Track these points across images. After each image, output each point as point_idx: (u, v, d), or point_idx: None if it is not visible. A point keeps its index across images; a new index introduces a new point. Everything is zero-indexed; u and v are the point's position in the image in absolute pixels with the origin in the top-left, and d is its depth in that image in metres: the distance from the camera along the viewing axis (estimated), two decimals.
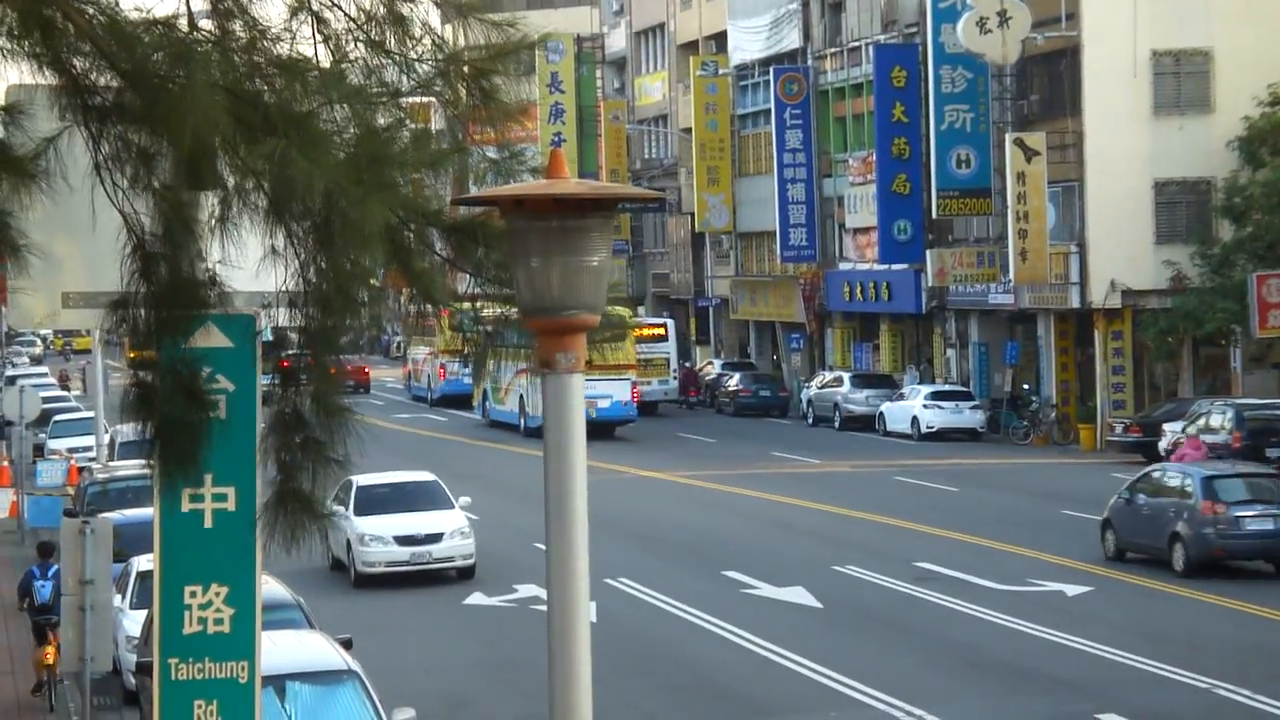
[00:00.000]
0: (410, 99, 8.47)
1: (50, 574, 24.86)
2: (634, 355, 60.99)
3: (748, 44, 76.94)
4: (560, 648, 7.41)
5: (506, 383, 60.49)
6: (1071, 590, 31.33)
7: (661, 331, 71.40)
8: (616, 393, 59.20)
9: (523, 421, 60.63)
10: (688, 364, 79.71)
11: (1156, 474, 35.57)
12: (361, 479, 33.47)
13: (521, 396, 60.44)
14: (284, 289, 8.12)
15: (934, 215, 61.33)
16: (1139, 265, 55.59)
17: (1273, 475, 35.18)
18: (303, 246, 8.00)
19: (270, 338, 9.81)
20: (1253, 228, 53.22)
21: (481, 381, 61.52)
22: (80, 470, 39.91)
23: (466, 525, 33.76)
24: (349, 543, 33.32)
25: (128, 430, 38.82)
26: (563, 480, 7.42)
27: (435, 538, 33.44)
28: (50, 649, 23.27)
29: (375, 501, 33.84)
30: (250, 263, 8.20)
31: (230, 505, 10.81)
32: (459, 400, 70.82)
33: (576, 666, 7.41)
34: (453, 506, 34.40)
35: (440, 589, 32.65)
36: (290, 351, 8.43)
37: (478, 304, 8.68)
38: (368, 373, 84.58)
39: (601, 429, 57.57)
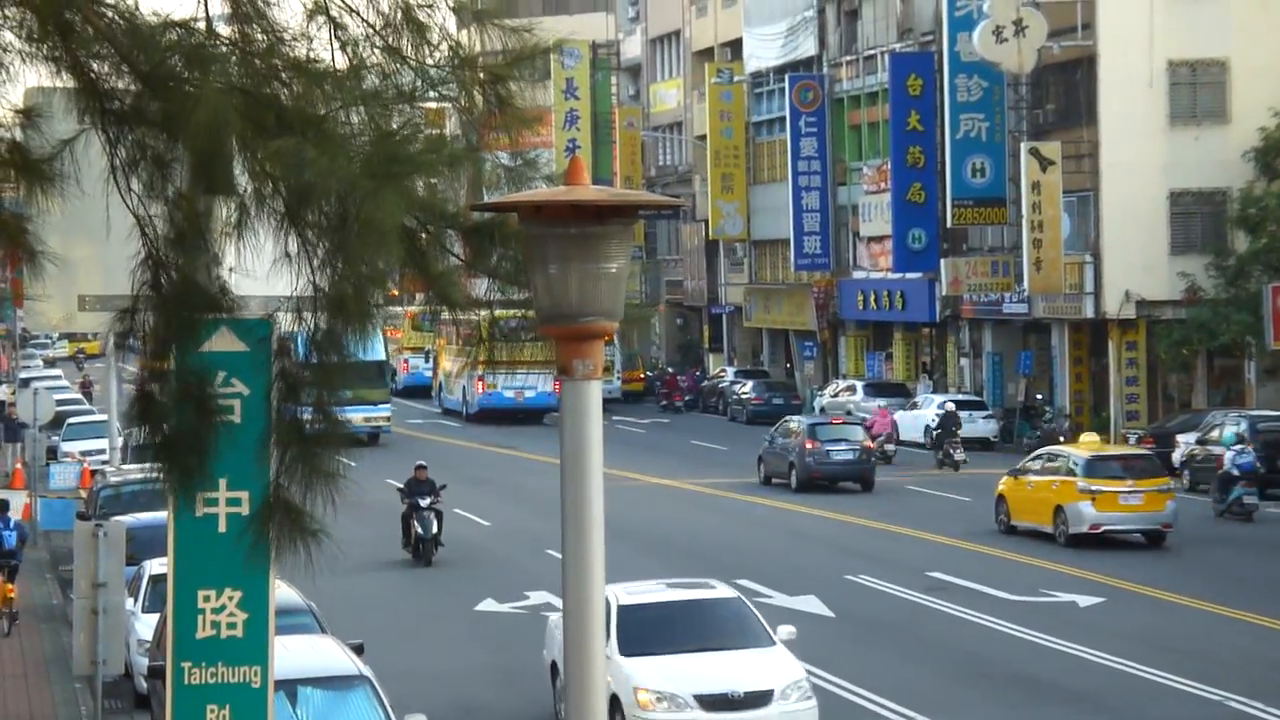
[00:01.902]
0: (426, 104, 8.46)
1: (12, 525, 30.77)
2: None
3: (763, 51, 76.91)
4: (575, 654, 7.39)
5: (455, 376, 71.07)
6: (1084, 601, 31.27)
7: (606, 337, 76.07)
8: (541, 384, 65.04)
9: (464, 409, 71.78)
10: (670, 370, 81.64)
11: (786, 423, 51.45)
12: (623, 591, 22.76)
13: (464, 387, 70.74)
14: (298, 293, 8.09)
15: (948, 224, 61.27)
16: (1154, 276, 55.51)
17: (857, 423, 51.87)
18: (319, 248, 7.97)
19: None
20: (1268, 239, 53.11)
21: (457, 377, 71.13)
22: (93, 473, 39.94)
23: (803, 675, 21.68)
24: (615, 699, 20.77)
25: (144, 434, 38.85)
26: (580, 486, 7.40)
27: (761, 698, 21.12)
28: (12, 586, 28.36)
29: (650, 631, 22.09)
30: (264, 267, 8.18)
31: (244, 509, 10.80)
32: (419, 391, 79.77)
33: (591, 673, 7.39)
34: (772, 641, 22.32)
35: (451, 595, 32.62)
36: (295, 359, 8.39)
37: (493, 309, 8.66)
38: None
39: (531, 415, 69.51)
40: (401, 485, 36.67)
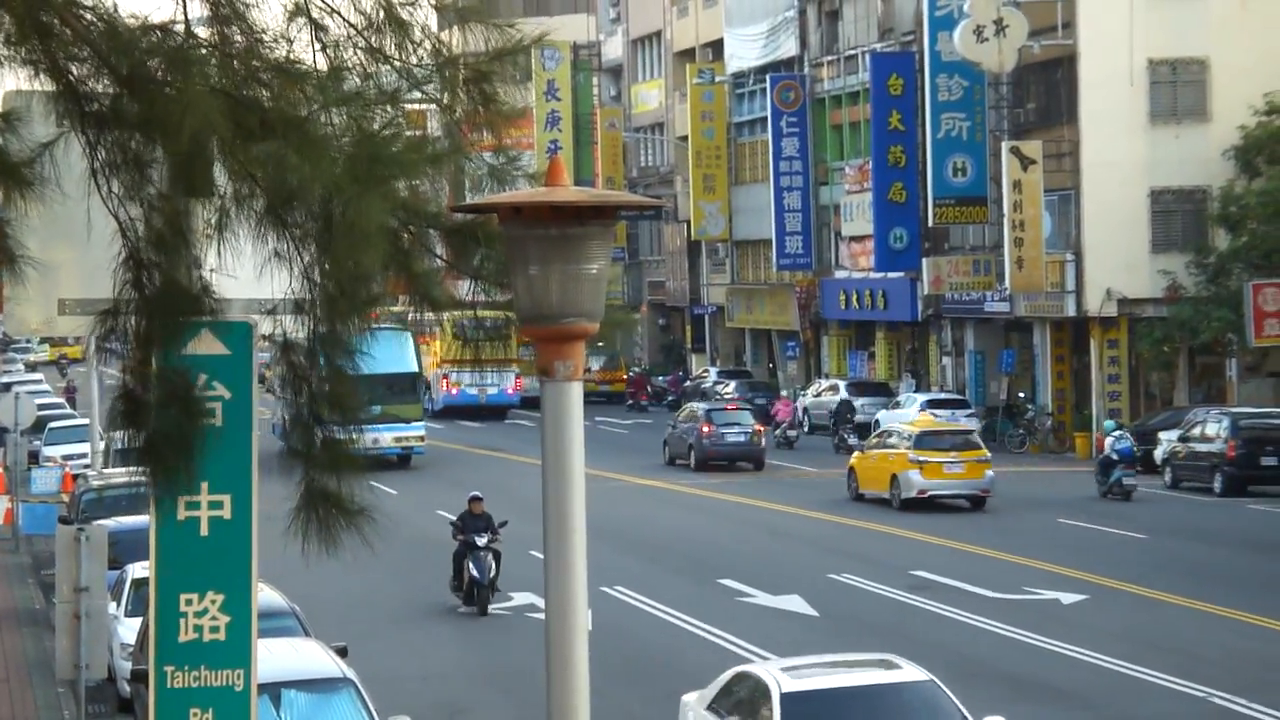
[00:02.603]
0: (408, 105, 8.45)
1: None
2: (516, 352, 69.03)
3: (744, 52, 76.96)
4: (558, 655, 7.38)
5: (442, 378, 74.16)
6: (1067, 598, 31.33)
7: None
8: (502, 382, 71.44)
9: (431, 405, 72.08)
10: (637, 371, 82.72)
11: (687, 409, 57.58)
12: (784, 674, 18.32)
13: (431, 385, 72.09)
14: (287, 294, 8.09)
15: (930, 223, 61.35)
16: (1135, 274, 55.62)
17: (749, 409, 57.12)
18: (303, 250, 7.97)
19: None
20: (1249, 237, 53.25)
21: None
22: (75, 477, 39.87)
23: None
24: None
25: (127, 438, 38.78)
26: (561, 487, 7.40)
27: None
28: None
29: None
30: (247, 269, 8.17)
31: (226, 513, 10.77)
32: (461, 412, 74.53)
33: (574, 674, 7.39)
34: None
35: (435, 597, 32.61)
36: (297, 358, 8.39)
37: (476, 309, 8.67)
38: None
39: (494, 411, 73.55)
40: (454, 519, 31.59)
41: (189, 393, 8.30)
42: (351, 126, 8.07)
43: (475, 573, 30.57)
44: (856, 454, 47.16)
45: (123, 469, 36.80)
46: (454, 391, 72.50)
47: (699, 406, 57.45)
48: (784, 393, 68.00)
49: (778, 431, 60.23)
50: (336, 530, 8.35)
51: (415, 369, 54.63)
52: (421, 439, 54.98)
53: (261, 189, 7.80)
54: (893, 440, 45.24)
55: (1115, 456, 45.82)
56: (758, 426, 55.00)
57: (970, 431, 47.50)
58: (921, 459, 43.55)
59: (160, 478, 8.30)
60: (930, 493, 43.49)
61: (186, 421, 8.24)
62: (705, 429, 53.93)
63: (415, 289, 8.36)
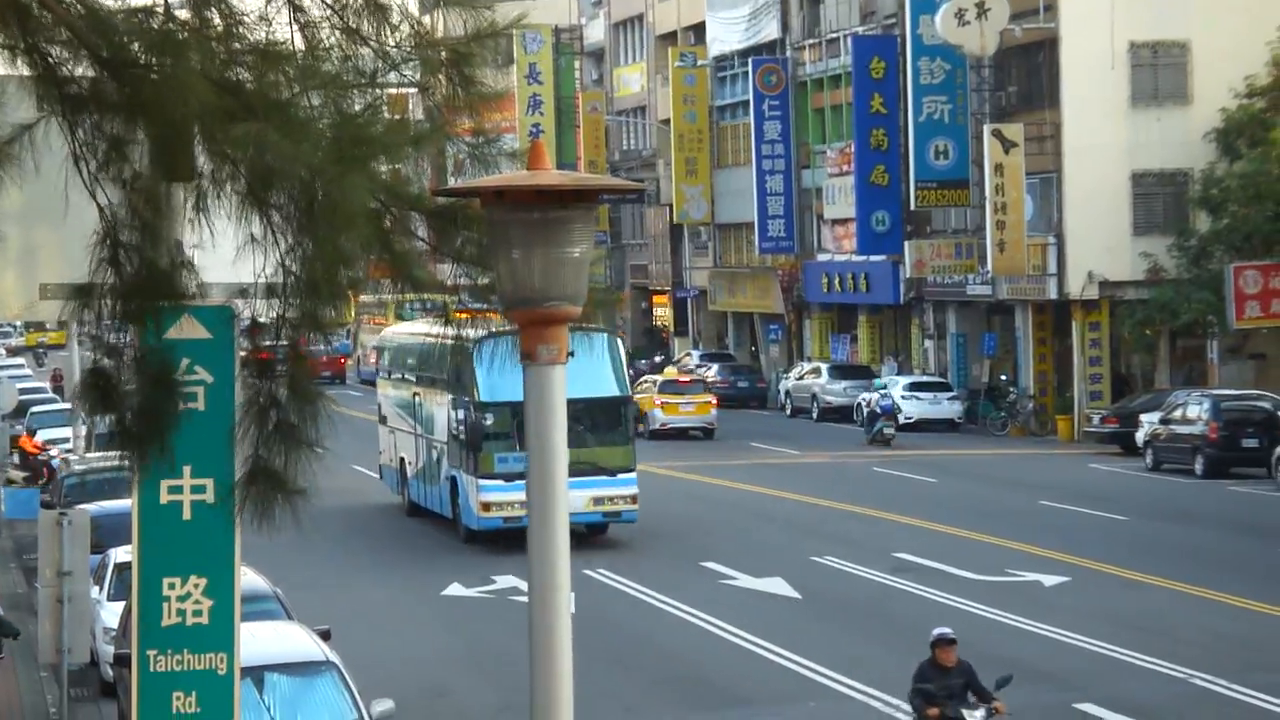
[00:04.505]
0: (389, 88, 8.44)
1: None
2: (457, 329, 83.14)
3: (726, 35, 76.90)
4: (540, 638, 7.39)
5: (370, 351, 76.32)
6: (1049, 580, 31.40)
7: (493, 316, 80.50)
8: None
9: (378, 376, 78.35)
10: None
11: (643, 383, 60.27)
12: None
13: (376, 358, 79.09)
14: (263, 277, 8.07)
15: (912, 206, 61.39)
16: (1116, 257, 55.70)
17: (701, 385, 62.24)
18: (284, 233, 7.96)
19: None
20: (1229, 219, 53.34)
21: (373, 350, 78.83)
22: (42, 450, 39.85)
23: None
24: None
25: (106, 422, 38.66)
26: (544, 470, 7.41)
27: None
28: None
29: None
30: (227, 253, 8.16)
31: (209, 497, 10.77)
32: None
33: (557, 657, 7.39)
34: None
35: (418, 580, 32.63)
36: (269, 342, 8.39)
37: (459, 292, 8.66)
38: (344, 363, 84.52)
39: None
40: (918, 682, 18.87)
41: (168, 375, 8.28)
42: (332, 109, 8.05)
43: None
44: (643, 398, 56.39)
45: (105, 453, 36.81)
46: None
47: (653, 380, 62.11)
48: (724, 375, 71.01)
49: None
50: (274, 508, 8.31)
51: (622, 390, 36.01)
52: (633, 500, 35.57)
53: (242, 171, 7.79)
54: (644, 387, 59.15)
55: (879, 410, 55.71)
56: (710, 400, 60.42)
57: (699, 380, 62.97)
58: (663, 400, 59.09)
59: (137, 460, 8.28)
60: (669, 426, 58.62)
61: (165, 403, 8.22)
62: (657, 400, 59.75)
63: (398, 271, 8.35)
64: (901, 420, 59.90)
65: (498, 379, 32.93)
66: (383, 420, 43.45)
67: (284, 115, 7.70)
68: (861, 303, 69.04)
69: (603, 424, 35.53)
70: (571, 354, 7.58)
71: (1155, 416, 49.59)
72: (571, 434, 39.45)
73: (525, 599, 7.54)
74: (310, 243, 7.87)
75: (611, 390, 35.37)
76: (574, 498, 32.81)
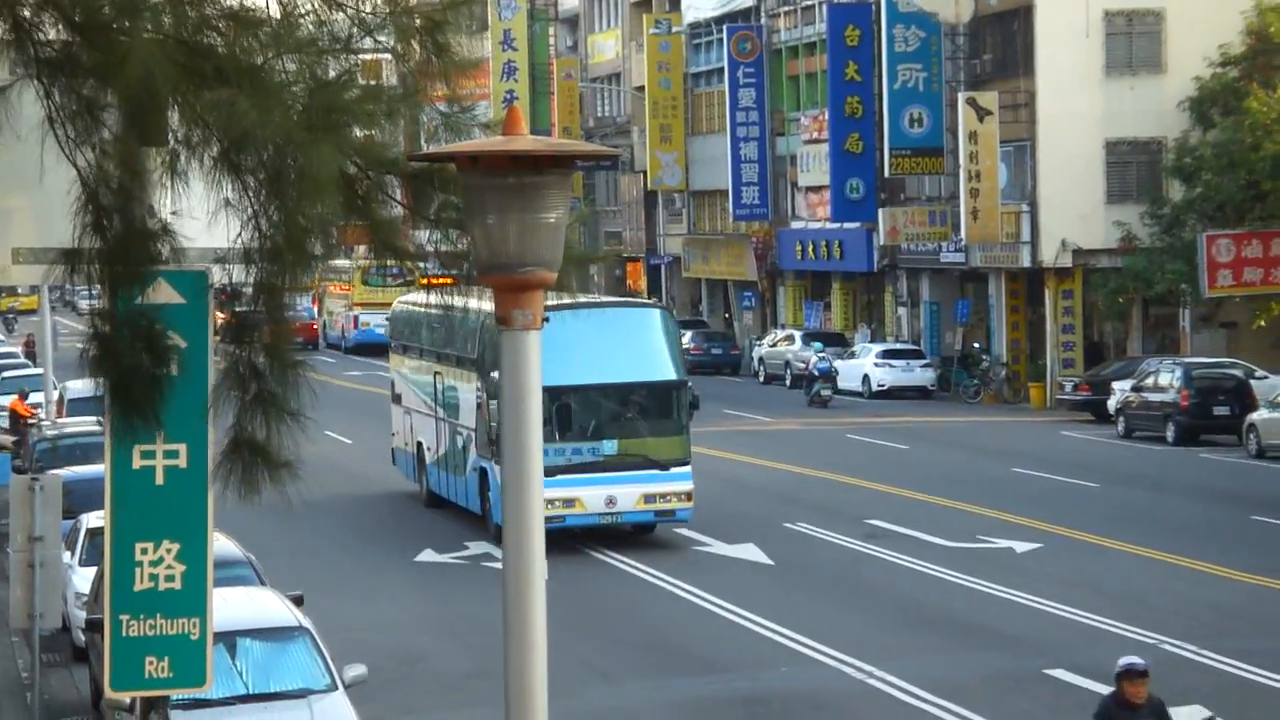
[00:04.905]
0: (363, 54, 8.42)
1: None
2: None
3: (701, 2, 76.76)
4: (515, 604, 7.40)
5: (338, 318, 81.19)
6: (1021, 547, 31.51)
7: (450, 281, 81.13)
8: None
9: (343, 343, 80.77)
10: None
11: None
12: None
13: (343, 324, 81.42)
14: (237, 243, 8.06)
15: (886, 174, 61.41)
16: (1090, 225, 55.79)
17: None
18: (256, 198, 7.95)
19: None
20: (1203, 188, 53.45)
21: (338, 316, 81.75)
22: (33, 414, 39.73)
23: None
24: None
25: (78, 386, 38.55)
26: (519, 436, 7.42)
27: None
28: None
29: None
30: (202, 218, 8.15)
31: (182, 462, 10.76)
32: (370, 349, 77.57)
33: (531, 623, 7.41)
34: None
35: (391, 546, 32.64)
36: (242, 307, 8.38)
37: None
38: (316, 329, 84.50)
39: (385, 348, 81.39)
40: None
41: (155, 336, 8.28)
42: (305, 74, 8.03)
43: None
44: None
45: (78, 418, 36.70)
46: (361, 329, 79.73)
47: None
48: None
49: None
50: (259, 481, 8.34)
51: (677, 374, 32.08)
52: (688, 497, 31.68)
53: (215, 135, 7.77)
54: None
55: (816, 373, 58.17)
56: None
57: None
58: None
59: (128, 421, 8.28)
60: None
61: (154, 363, 8.22)
62: None
63: (375, 237, 8.34)
64: (875, 387, 60.09)
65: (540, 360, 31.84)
66: (396, 399, 39.44)
67: (257, 80, 7.68)
68: (835, 270, 69.09)
69: (654, 411, 31.96)
70: (546, 320, 7.58)
71: (1127, 384, 49.77)
72: (620, 423, 31.73)
73: (499, 565, 7.56)
74: (281, 209, 7.86)
75: (665, 374, 31.75)
76: (623, 495, 30.96)
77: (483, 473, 32.59)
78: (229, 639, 16.86)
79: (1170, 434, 46.75)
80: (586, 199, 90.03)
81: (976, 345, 61.18)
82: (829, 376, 58.09)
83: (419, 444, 37.09)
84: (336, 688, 17.38)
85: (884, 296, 67.69)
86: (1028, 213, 56.45)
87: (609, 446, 31.43)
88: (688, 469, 31.60)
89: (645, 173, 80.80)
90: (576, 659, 23.27)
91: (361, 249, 8.90)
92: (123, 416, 8.22)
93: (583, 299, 34.80)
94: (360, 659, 18.85)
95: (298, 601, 19.58)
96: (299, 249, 7.97)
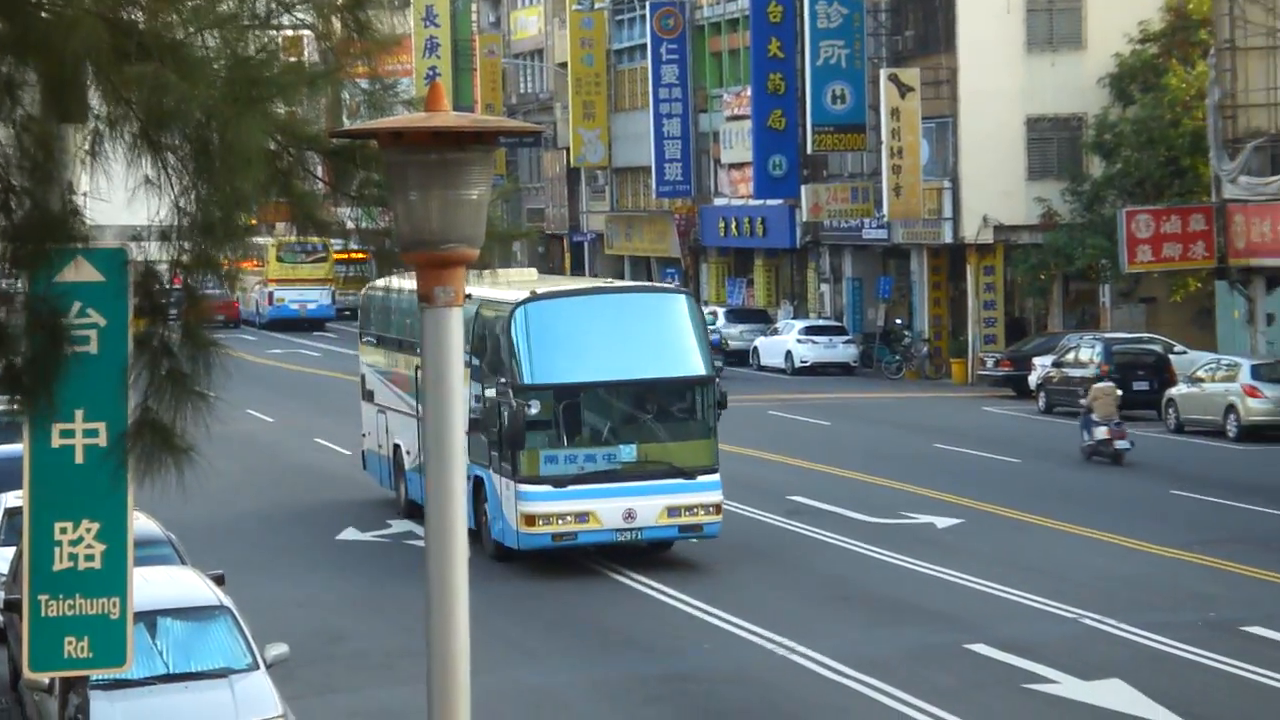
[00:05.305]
0: (284, 30, 8.36)
1: None
2: (332, 271, 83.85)
3: None
4: (437, 582, 7.39)
5: (249, 292, 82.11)
6: (942, 522, 31.68)
7: (363, 256, 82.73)
8: (320, 297, 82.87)
9: (258, 319, 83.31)
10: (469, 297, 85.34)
11: None
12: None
13: (257, 301, 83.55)
14: (157, 220, 8.00)
15: (809, 151, 61.53)
16: (1011, 201, 56.10)
17: None
18: (179, 175, 7.89)
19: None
20: (1122, 164, 53.84)
21: (250, 292, 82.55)
22: None
23: None
24: None
25: None
26: (441, 412, 7.39)
27: None
28: None
29: None
30: (121, 195, 8.08)
31: (101, 441, 10.68)
32: (284, 325, 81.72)
33: (454, 601, 7.40)
34: None
35: (313, 524, 32.52)
36: (160, 285, 8.32)
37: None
38: (237, 306, 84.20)
39: (314, 323, 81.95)
40: None
41: (55, 320, 8.20)
42: (226, 50, 7.98)
43: None
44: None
45: None
46: (275, 305, 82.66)
47: None
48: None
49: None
50: (159, 465, 8.29)
51: (705, 369, 28.38)
52: (717, 510, 28.00)
53: (137, 112, 7.70)
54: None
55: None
56: None
57: None
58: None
59: (25, 404, 8.22)
60: None
61: (50, 349, 8.15)
62: None
63: (298, 212, 8.30)
64: (797, 364, 60.26)
65: (547, 355, 26.86)
66: (368, 396, 35.34)
67: (178, 56, 7.63)
68: (758, 247, 69.22)
69: (679, 412, 28.32)
70: (468, 296, 7.55)
71: (1048, 360, 50.10)
72: (639, 426, 27.69)
73: (421, 543, 7.54)
74: (205, 184, 7.81)
75: (692, 368, 28.02)
76: (644, 508, 26.96)
77: (477, 482, 28.33)
78: (149, 619, 16.77)
79: None
80: (509, 176, 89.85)
81: (899, 321, 61.44)
82: (718, 346, 57.96)
83: (396, 447, 32.98)
84: (258, 667, 17.30)
85: (806, 273, 67.86)
86: (949, 189, 56.69)
87: (626, 452, 27.50)
88: (716, 477, 27.88)
89: (568, 149, 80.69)
90: (500, 636, 23.27)
91: (280, 226, 8.85)
92: (21, 402, 8.16)
93: (597, 283, 32.82)
94: (282, 638, 18.77)
95: (219, 580, 19.49)
96: (227, 224, 7.93)
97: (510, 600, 25.74)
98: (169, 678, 17.04)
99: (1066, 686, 20.74)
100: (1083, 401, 40.81)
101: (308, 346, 74.06)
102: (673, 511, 27.42)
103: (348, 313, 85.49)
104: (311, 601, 26.12)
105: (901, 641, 23.29)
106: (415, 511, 30.62)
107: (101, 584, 10.85)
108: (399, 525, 31.61)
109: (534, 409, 26.90)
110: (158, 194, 7.92)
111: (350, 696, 21.07)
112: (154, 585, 17.27)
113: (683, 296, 29.47)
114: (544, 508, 26.95)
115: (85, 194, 8.05)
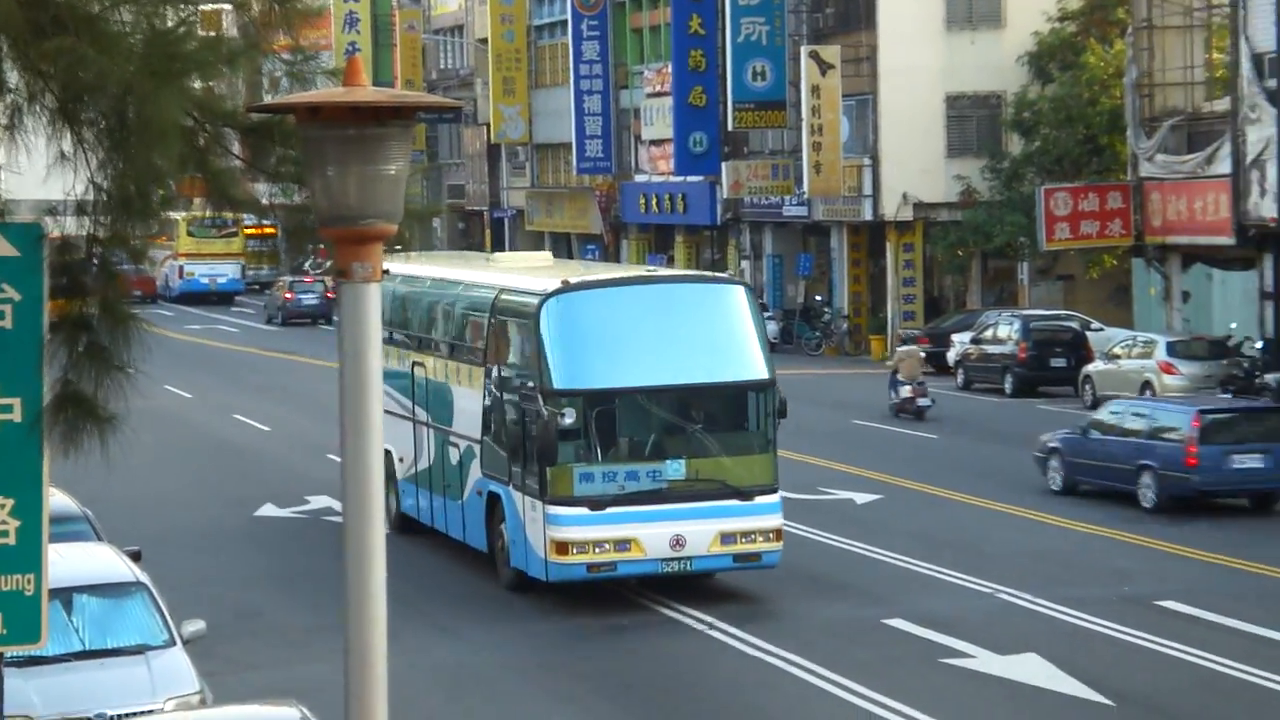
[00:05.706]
0: (201, 4, 8.32)
1: None
2: (244, 246, 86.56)
3: None
4: (355, 558, 7.39)
5: (160, 266, 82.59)
6: (861, 498, 31.84)
7: (272, 231, 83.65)
8: (230, 272, 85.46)
9: (168, 293, 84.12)
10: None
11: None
12: None
13: (167, 275, 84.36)
14: (72, 195, 7.96)
15: (730, 128, 61.59)
16: (931, 178, 56.34)
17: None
18: (95, 149, 7.85)
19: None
20: (1041, 142, 54.15)
21: (161, 266, 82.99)
22: None
23: None
24: None
25: None
26: (358, 390, 7.39)
27: None
28: None
29: None
30: (37, 169, 8.03)
31: (15, 416, 10.59)
32: (194, 298, 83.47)
33: (371, 577, 7.40)
34: None
35: (230, 501, 32.40)
36: (77, 258, 8.28)
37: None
38: (155, 282, 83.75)
39: (223, 297, 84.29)
40: None
41: None
42: (143, 24, 7.93)
43: None
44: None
45: None
46: (185, 279, 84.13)
47: None
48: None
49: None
50: (82, 436, 8.27)
51: (767, 371, 24.66)
52: (777, 535, 24.38)
53: (53, 86, 7.65)
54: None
55: None
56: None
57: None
58: None
59: None
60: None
61: None
62: (288, 296, 73.13)
63: (213, 188, 8.26)
64: None
65: (581, 355, 23.64)
66: None
67: (95, 30, 7.58)
68: (679, 223, 69.27)
69: (734, 422, 24.87)
70: (386, 272, 7.55)
71: (966, 337, 50.39)
72: (688, 439, 23.90)
73: (339, 519, 7.53)
74: (122, 159, 7.77)
75: (750, 371, 24.52)
76: (694, 533, 23.45)
77: (492, 499, 25.18)
78: (65, 595, 16.67)
79: (1008, 386, 47.46)
80: (429, 152, 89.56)
81: (818, 298, 61.65)
82: None
83: (385, 452, 29.43)
84: (175, 643, 17.24)
85: (727, 250, 67.97)
86: (869, 166, 56.90)
87: (674, 469, 23.78)
88: (777, 498, 24.37)
89: (488, 125, 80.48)
90: (417, 613, 23.26)
91: (197, 201, 8.81)
92: None
93: (639, 271, 29.05)
94: (199, 614, 18.71)
95: (135, 557, 19.40)
96: (143, 199, 7.89)
97: (423, 574, 25.67)
98: (85, 654, 16.95)
99: (982, 660, 20.91)
100: (889, 363, 42.93)
101: (225, 322, 73.76)
102: (726, 538, 23.74)
103: (256, 286, 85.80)
104: (229, 577, 26.03)
105: (820, 616, 23.40)
106: (408, 526, 28.50)
107: (16, 560, 10.78)
108: (317, 501, 31.51)
109: (568, 419, 23.33)
110: (73, 169, 7.88)
111: (267, 673, 21.02)
112: (70, 562, 17.15)
113: (739, 288, 26.29)
114: (579, 533, 23.23)
115: (1, 166, 7.99)
